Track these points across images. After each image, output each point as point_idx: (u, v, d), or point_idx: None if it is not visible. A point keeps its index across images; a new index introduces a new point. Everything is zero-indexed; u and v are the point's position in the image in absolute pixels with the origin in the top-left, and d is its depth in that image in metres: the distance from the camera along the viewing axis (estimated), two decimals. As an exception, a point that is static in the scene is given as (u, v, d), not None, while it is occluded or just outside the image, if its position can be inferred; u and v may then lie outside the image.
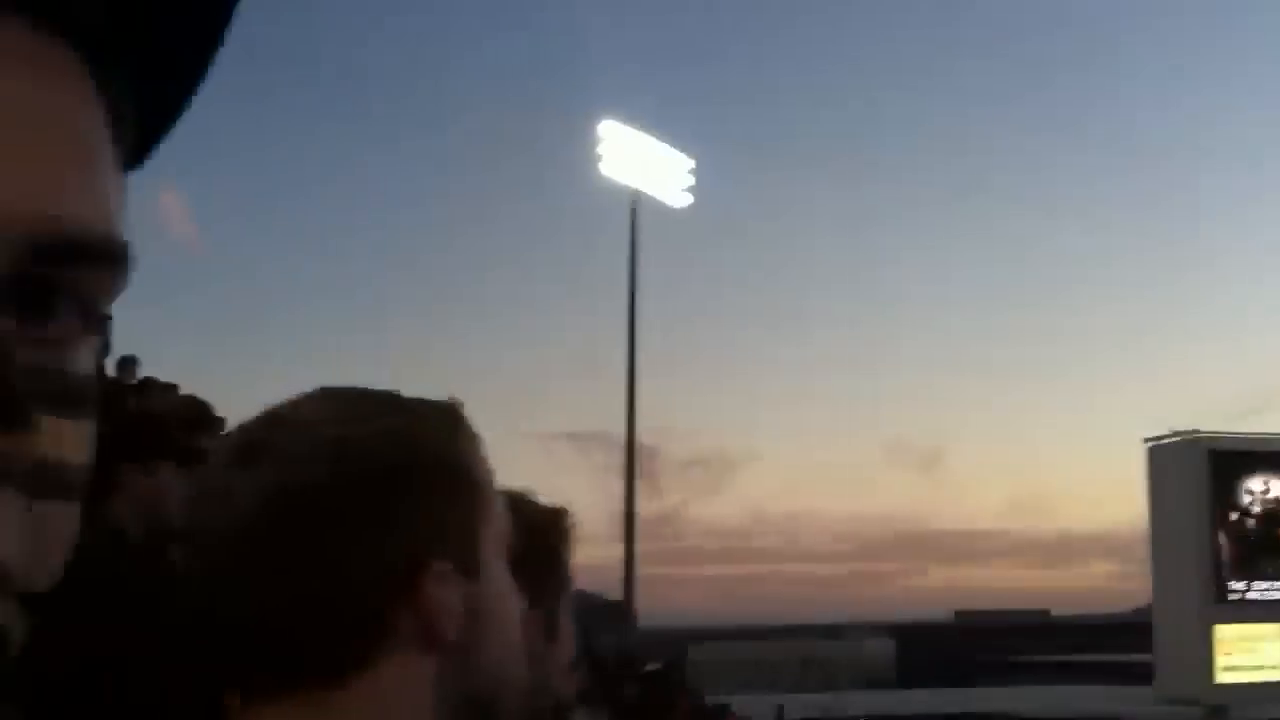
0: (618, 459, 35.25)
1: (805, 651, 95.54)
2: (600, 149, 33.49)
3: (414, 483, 1.34)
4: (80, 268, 0.56)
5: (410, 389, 1.48)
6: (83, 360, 0.59)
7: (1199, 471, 46.67)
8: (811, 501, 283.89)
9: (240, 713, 1.33)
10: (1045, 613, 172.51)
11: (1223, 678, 45.81)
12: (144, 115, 0.62)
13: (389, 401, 1.41)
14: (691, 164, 35.15)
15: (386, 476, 1.31)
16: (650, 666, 16.62)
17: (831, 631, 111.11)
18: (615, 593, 32.79)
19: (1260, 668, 45.99)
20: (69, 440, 0.57)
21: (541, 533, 1.79)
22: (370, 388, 1.43)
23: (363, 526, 1.29)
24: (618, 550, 33.78)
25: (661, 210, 35.57)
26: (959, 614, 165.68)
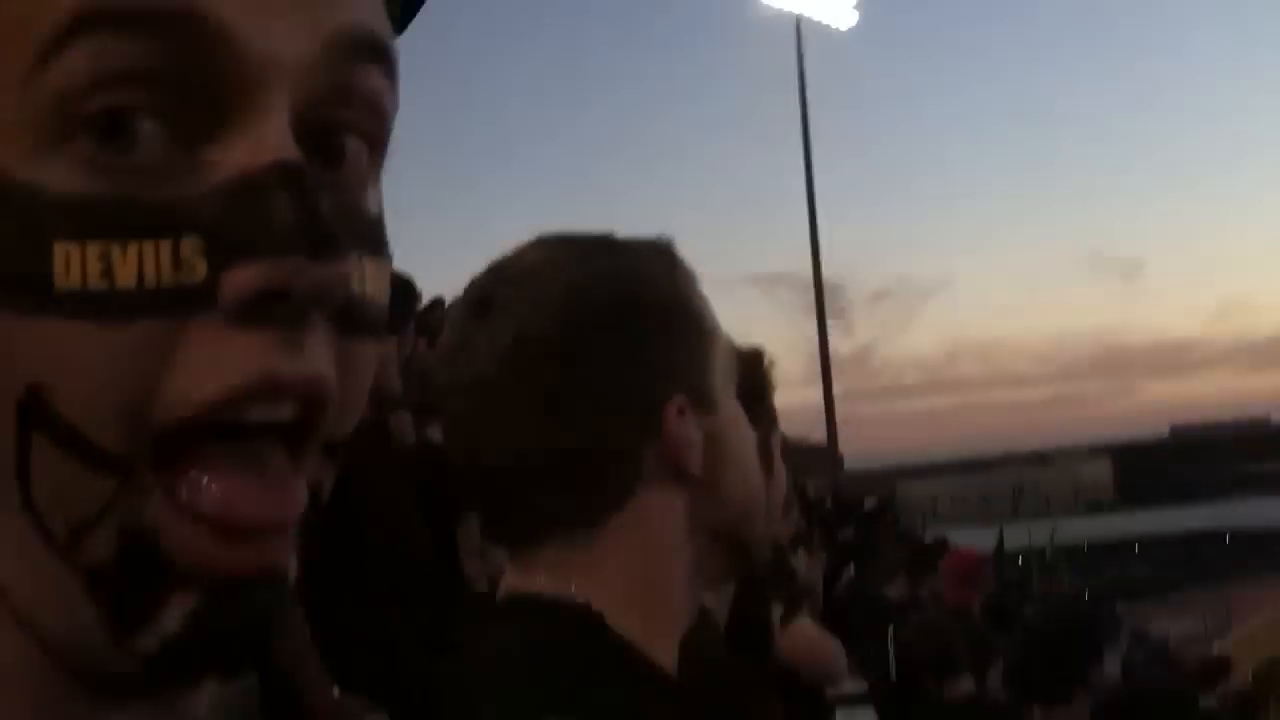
0: (805, 299, 34.76)
1: (1017, 479, 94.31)
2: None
3: (644, 321, 1.36)
4: (363, 65, 0.60)
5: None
6: (373, 201, 0.63)
7: None
8: (1009, 325, 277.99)
9: (512, 559, 1.39)
10: (1265, 420, 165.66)
11: None
12: None
13: (607, 244, 1.42)
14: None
15: (617, 317, 1.35)
16: (865, 506, 16.45)
17: (1042, 458, 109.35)
18: (816, 436, 32.61)
19: None
20: (372, 277, 0.60)
21: (744, 370, 1.67)
22: (585, 233, 1.44)
23: (601, 368, 1.33)
24: (814, 393, 33.56)
25: (827, 34, 34.08)
26: (1174, 429, 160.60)
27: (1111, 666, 8.38)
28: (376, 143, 0.63)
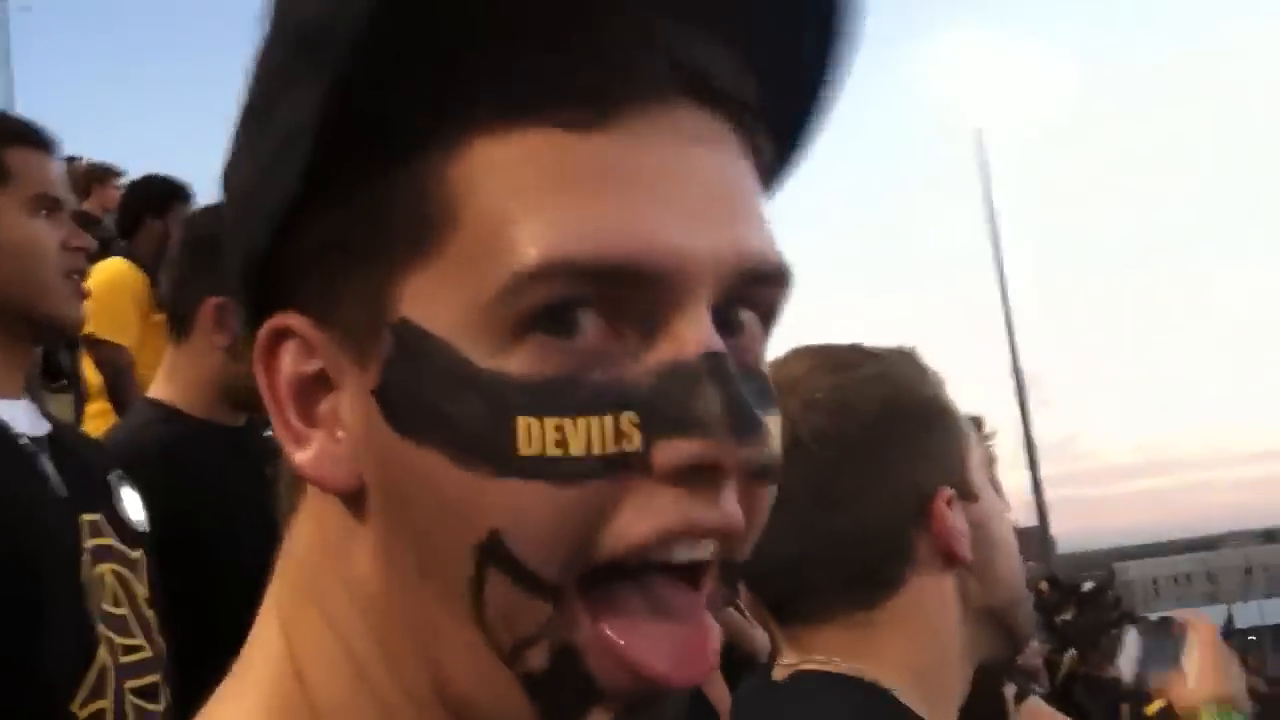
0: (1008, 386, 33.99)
1: (1244, 558, 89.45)
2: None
3: (907, 421, 1.50)
4: (765, 287, 0.73)
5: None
6: (763, 361, 0.76)
7: None
8: (1228, 402, 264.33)
9: (790, 638, 1.54)
10: None
11: None
12: (771, 164, 0.79)
13: (863, 352, 1.55)
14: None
15: (884, 418, 1.48)
16: (1084, 587, 15.96)
17: (1270, 535, 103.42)
18: (1025, 521, 31.64)
19: None
20: (774, 435, 0.70)
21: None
22: (834, 343, 1.59)
23: (872, 465, 1.46)
24: (1020, 476, 32.62)
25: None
26: None
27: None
28: (769, 316, 0.76)
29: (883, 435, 1.47)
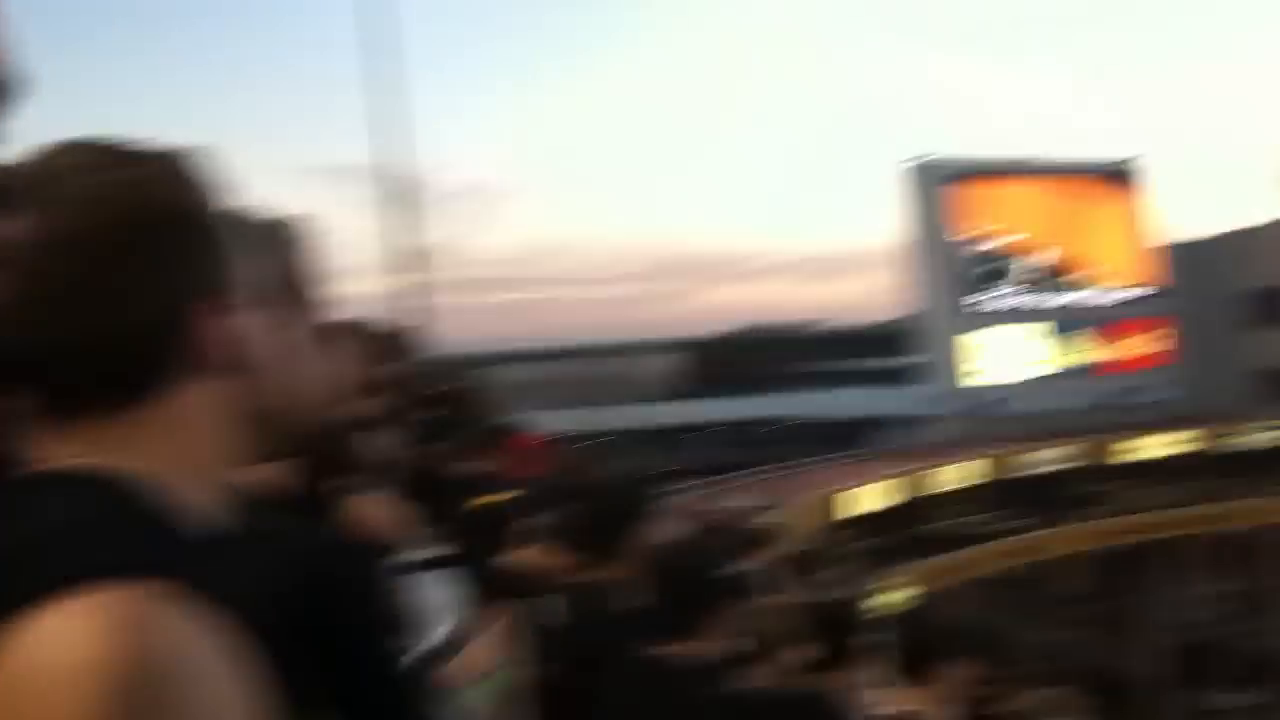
0: (384, 191, 34.34)
1: (599, 369, 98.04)
2: None
3: (168, 228, 1.48)
4: None
5: (151, 134, 1.59)
6: None
7: (948, 187, 48.70)
8: (596, 227, 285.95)
9: (43, 438, 1.49)
10: (818, 323, 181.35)
11: (983, 378, 49.37)
12: None
13: (130, 153, 1.51)
14: None
15: (138, 225, 1.45)
16: (444, 387, 16.72)
17: (619, 350, 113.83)
18: (401, 321, 32.53)
19: (1019, 366, 49.65)
20: None
21: (274, 246, 1.75)
22: (108, 137, 1.52)
23: (127, 270, 1.44)
24: (392, 283, 33.46)
25: None
26: (739, 328, 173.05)
27: (657, 536, 9.20)
28: None
29: (135, 240, 1.45)
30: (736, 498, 35.13)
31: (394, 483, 7.49)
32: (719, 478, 42.80)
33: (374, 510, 5.01)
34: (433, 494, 7.88)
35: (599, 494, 4.77)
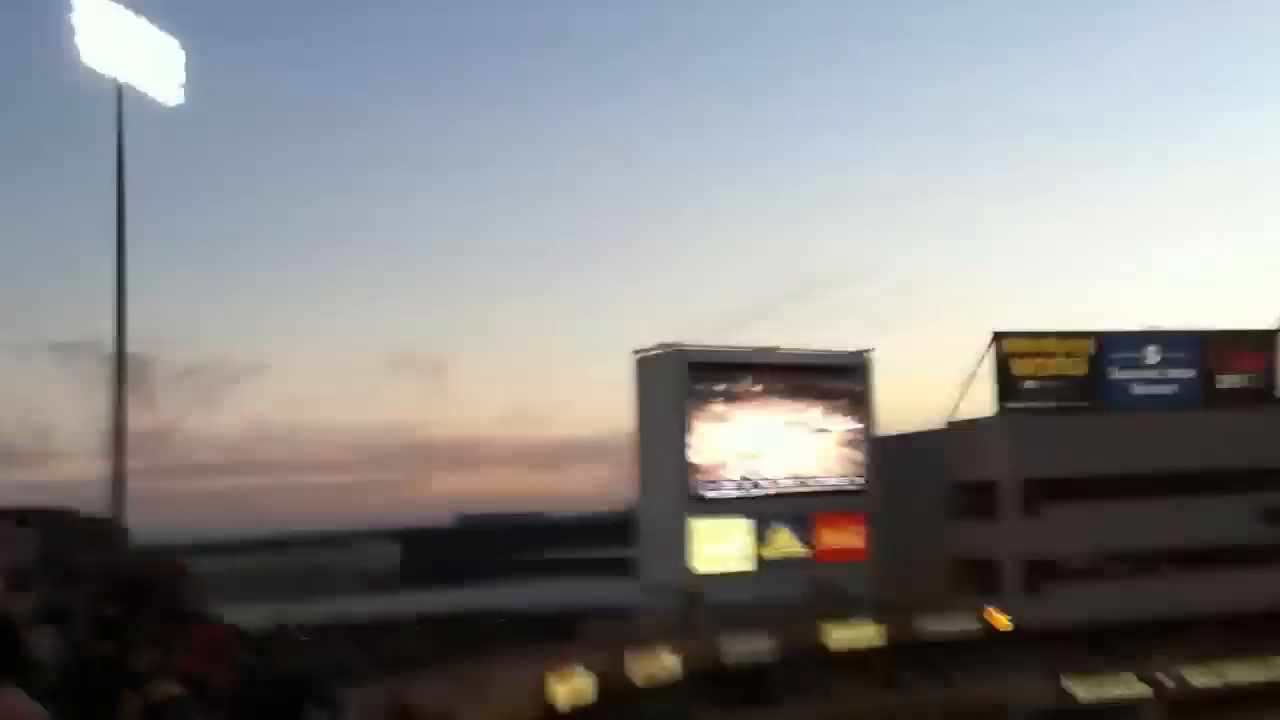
0: (107, 369, 32.70)
1: (310, 560, 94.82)
2: (79, 34, 30.09)
3: None
4: None
5: None
6: None
7: (679, 379, 50.50)
8: (316, 412, 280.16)
9: None
10: (542, 514, 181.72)
11: (699, 567, 50.25)
12: None
13: None
14: (183, 55, 32.44)
15: None
16: (132, 578, 15.93)
17: (336, 539, 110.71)
18: (105, 510, 30.86)
19: (732, 557, 50.86)
20: None
21: None
22: None
23: None
24: (107, 466, 31.73)
25: (153, 106, 32.65)
26: (461, 518, 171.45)
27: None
28: None
29: None
30: (439, 689, 34.28)
31: (54, 679, 7.12)
32: (426, 670, 41.75)
33: (9, 709, 4.78)
34: (97, 690, 7.51)
35: (273, 689, 4.65)
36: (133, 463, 32.61)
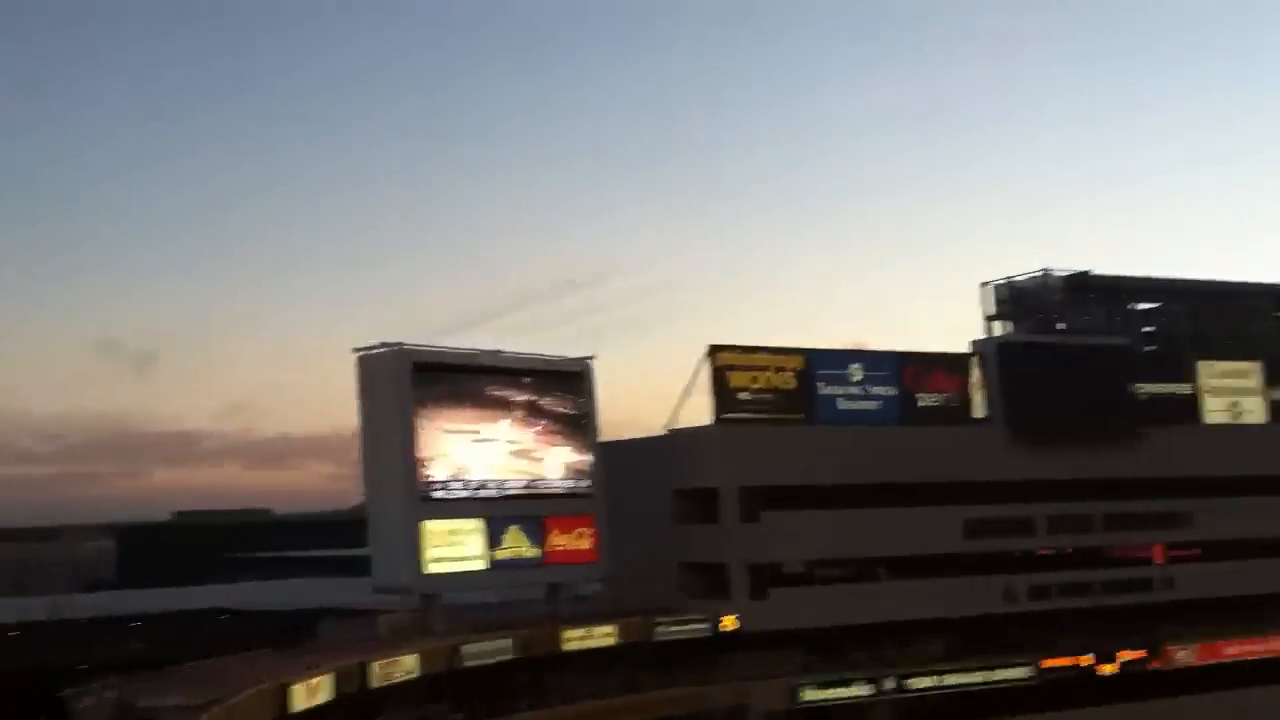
0: None
1: (19, 555, 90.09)
2: None
3: None
4: None
5: None
6: None
7: (403, 379, 50.44)
8: (16, 400, 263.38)
9: None
10: (267, 511, 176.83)
11: (431, 568, 50.51)
12: None
13: None
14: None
15: None
16: None
17: (47, 534, 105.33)
18: None
19: (464, 558, 51.39)
20: None
21: None
22: None
23: None
24: None
25: None
26: (179, 514, 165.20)
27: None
28: None
29: None
30: (170, 693, 33.67)
31: None
32: (153, 671, 40.84)
33: None
34: None
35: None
36: None
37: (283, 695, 36.32)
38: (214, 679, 36.59)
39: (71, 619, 60.91)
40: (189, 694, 33.90)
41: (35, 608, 55.51)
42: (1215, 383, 69.12)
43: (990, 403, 61.88)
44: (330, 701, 38.63)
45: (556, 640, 48.96)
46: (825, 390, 58.24)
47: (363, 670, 40.91)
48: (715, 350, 55.83)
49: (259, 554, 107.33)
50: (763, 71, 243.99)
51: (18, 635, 52.17)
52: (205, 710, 29.93)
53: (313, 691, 37.60)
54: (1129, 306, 73.60)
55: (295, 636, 50.64)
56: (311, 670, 38.88)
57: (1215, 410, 68.70)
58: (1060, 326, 70.73)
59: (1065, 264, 71.40)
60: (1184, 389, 67.72)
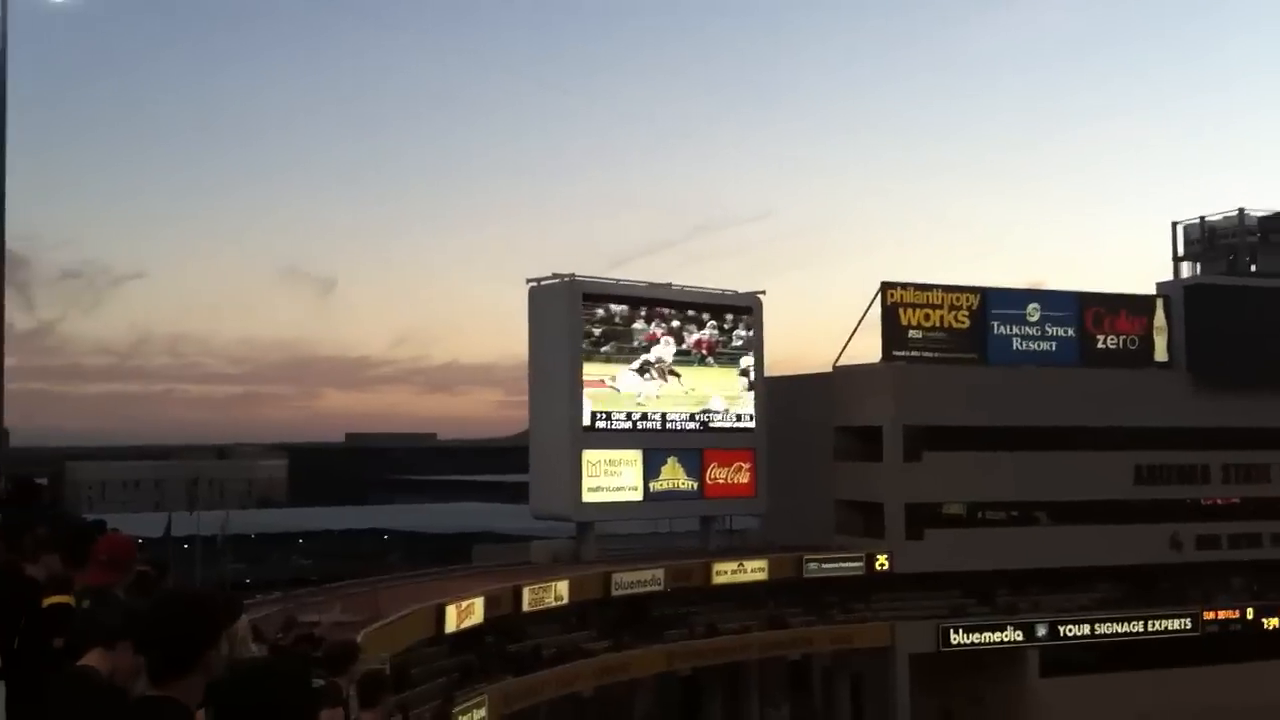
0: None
1: (196, 471, 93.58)
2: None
3: None
4: None
5: None
6: None
7: (573, 309, 50.54)
8: (203, 323, 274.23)
9: None
10: (432, 436, 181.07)
11: (589, 497, 50.72)
12: None
13: None
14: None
15: None
16: (23, 484, 15.76)
17: (223, 452, 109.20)
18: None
19: (621, 488, 51.46)
20: None
21: None
22: None
23: None
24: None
25: (39, 2, 31.36)
26: (350, 435, 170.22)
27: (244, 647, 9.11)
28: None
29: None
30: (331, 610, 34.37)
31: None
32: (316, 588, 41.77)
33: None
34: (4, 597, 7.55)
35: (177, 605, 4.71)
36: (9, 360, 31.91)
37: (437, 615, 36.77)
38: (373, 597, 37.33)
39: (242, 534, 62.97)
40: (349, 611, 34.60)
41: (208, 522, 57.39)
42: None
43: (1173, 347, 59.07)
44: (482, 624, 39.01)
45: (707, 573, 48.62)
46: (1000, 330, 56.34)
47: (515, 594, 41.20)
48: (887, 287, 54.43)
49: (422, 477, 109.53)
50: (932, 6, 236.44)
51: (188, 549, 54.04)
52: (363, 627, 30.37)
53: (465, 613, 37.97)
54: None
55: (452, 559, 51.28)
56: (465, 592, 39.27)
57: None
58: (1253, 270, 66.83)
59: (1263, 205, 67.39)
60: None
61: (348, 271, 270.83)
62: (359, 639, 20.54)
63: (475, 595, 39.24)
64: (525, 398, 53.17)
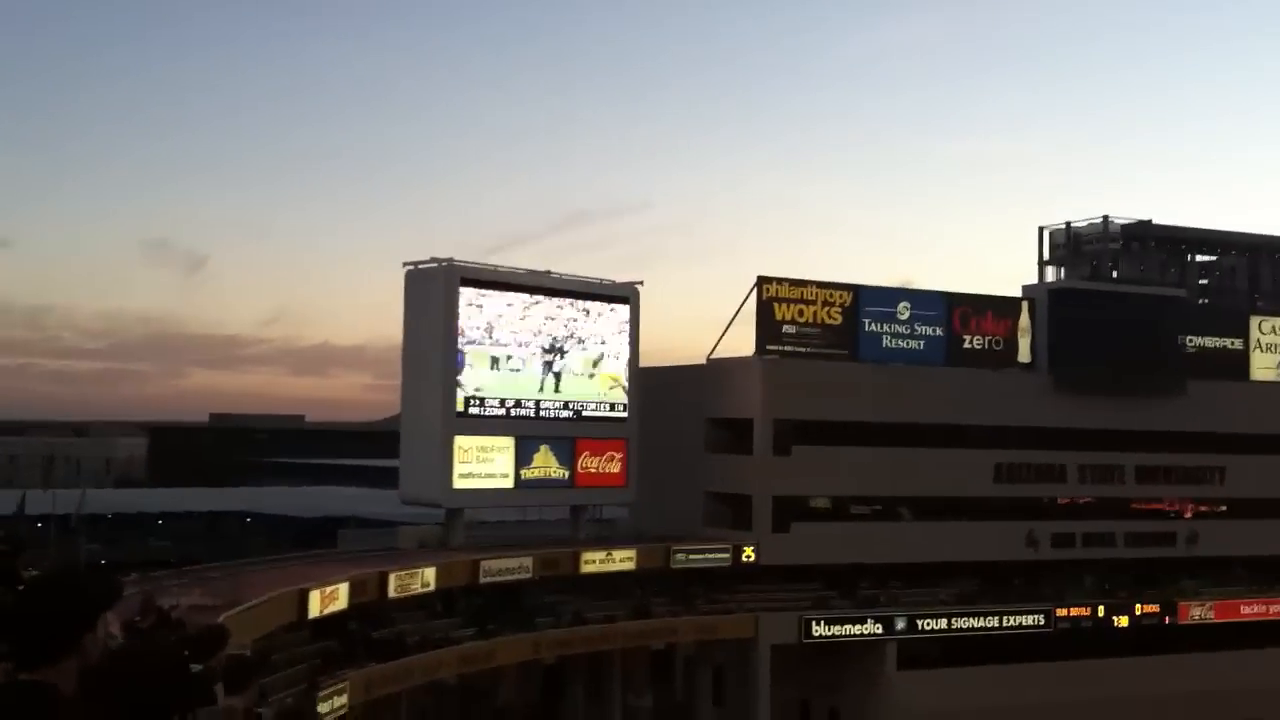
0: None
1: (51, 448, 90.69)
2: None
3: None
4: None
5: None
6: None
7: (450, 294, 50.15)
8: (65, 296, 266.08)
9: None
10: (301, 418, 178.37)
11: (460, 483, 50.39)
12: None
13: None
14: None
15: None
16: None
17: (81, 429, 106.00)
18: None
19: (492, 475, 51.24)
20: None
21: None
22: None
23: None
24: None
25: None
26: (214, 416, 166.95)
27: (108, 631, 8.86)
28: None
29: None
30: (190, 593, 33.61)
31: None
32: (175, 570, 40.87)
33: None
34: None
35: (42, 590, 4.54)
36: None
37: (300, 601, 36.23)
38: (233, 581, 36.58)
39: (99, 514, 61.18)
40: (209, 594, 33.86)
41: (64, 500, 55.61)
42: (1267, 339, 67.40)
43: (1036, 348, 60.78)
44: (346, 610, 38.54)
45: (576, 562, 48.77)
46: (871, 327, 57.28)
47: (381, 580, 40.78)
48: (763, 282, 54.96)
49: (289, 460, 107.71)
50: (819, 6, 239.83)
51: (42, 528, 52.36)
52: (224, 611, 29.77)
53: (329, 599, 37.49)
54: (1187, 258, 71.86)
55: (317, 543, 50.53)
56: (330, 577, 38.75)
57: (1264, 367, 67.03)
58: (1115, 276, 69.07)
59: (1126, 213, 69.77)
60: (1235, 344, 66.07)
61: (220, 249, 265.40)
62: (220, 622, 20.11)
63: (340, 580, 38.74)
64: (396, 381, 52.72)
